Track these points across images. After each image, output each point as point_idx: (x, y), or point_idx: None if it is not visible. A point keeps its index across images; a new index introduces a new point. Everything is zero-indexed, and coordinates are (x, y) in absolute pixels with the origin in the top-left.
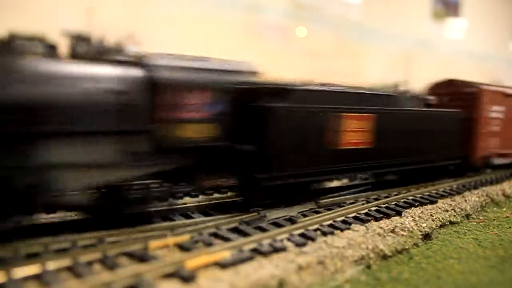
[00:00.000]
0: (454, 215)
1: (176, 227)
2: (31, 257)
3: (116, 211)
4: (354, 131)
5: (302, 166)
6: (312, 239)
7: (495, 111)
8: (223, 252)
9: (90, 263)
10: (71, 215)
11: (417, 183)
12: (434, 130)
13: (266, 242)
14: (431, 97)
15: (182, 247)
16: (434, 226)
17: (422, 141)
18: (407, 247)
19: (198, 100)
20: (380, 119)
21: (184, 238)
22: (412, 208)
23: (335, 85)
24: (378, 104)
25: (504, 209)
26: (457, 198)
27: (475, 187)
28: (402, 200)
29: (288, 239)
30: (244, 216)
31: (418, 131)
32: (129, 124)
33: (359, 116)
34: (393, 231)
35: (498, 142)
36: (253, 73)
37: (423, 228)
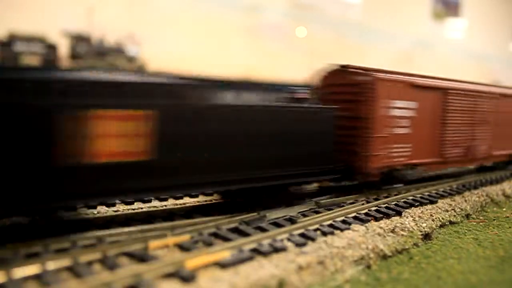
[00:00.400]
0: (454, 215)
1: (176, 227)
2: (31, 257)
3: None
4: (113, 137)
5: (26, 190)
6: (312, 239)
7: (401, 108)
8: (223, 252)
9: (90, 263)
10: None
11: (268, 207)
12: (287, 133)
13: (266, 242)
14: (302, 89)
15: (182, 247)
16: (434, 226)
17: (266, 150)
18: (407, 247)
19: None
20: (169, 119)
21: (184, 238)
22: (412, 208)
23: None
24: (167, 97)
25: (504, 209)
26: (457, 198)
27: (475, 187)
28: (402, 200)
29: (288, 239)
30: (244, 216)
31: (256, 135)
32: None
33: (120, 114)
34: (393, 231)
35: (410, 149)
36: None
37: (423, 228)
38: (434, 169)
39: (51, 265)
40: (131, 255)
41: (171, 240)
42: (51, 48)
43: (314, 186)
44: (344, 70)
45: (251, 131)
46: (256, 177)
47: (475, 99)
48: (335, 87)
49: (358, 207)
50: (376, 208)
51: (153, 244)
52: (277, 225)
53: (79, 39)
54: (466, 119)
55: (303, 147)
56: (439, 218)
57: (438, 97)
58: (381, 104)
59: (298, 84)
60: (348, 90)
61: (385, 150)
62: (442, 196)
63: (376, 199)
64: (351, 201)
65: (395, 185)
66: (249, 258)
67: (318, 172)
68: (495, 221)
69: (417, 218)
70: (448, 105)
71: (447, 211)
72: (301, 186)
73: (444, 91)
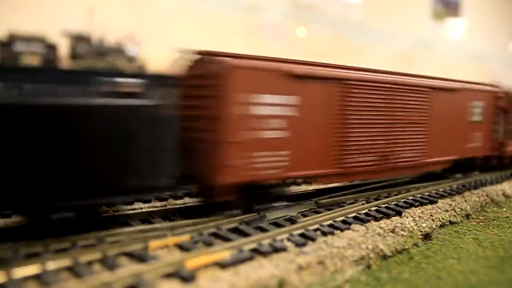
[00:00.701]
0: (454, 215)
1: (176, 227)
2: (31, 257)
3: None
4: None
5: None
6: (312, 239)
7: (272, 104)
8: (223, 252)
9: (90, 263)
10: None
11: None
12: (94, 139)
13: (266, 242)
14: (131, 81)
15: (182, 247)
16: (434, 226)
17: (62, 161)
18: (407, 247)
19: None
20: None
21: (184, 238)
22: (412, 208)
23: None
24: None
25: (504, 209)
26: (457, 198)
27: (475, 187)
28: (402, 200)
29: (288, 239)
30: (244, 216)
31: (41, 142)
32: None
33: None
34: (393, 231)
35: (287, 158)
36: None
37: (423, 228)
38: (332, 182)
39: (51, 265)
40: (131, 255)
41: (171, 240)
42: (51, 48)
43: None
44: (201, 57)
45: (32, 136)
46: (41, 196)
47: (393, 93)
48: (194, 79)
49: (358, 207)
50: (376, 208)
51: (153, 244)
52: (277, 225)
53: (79, 39)
54: (379, 118)
55: (120, 156)
56: (439, 218)
57: (334, 90)
58: (237, 99)
59: (130, 74)
60: (201, 83)
61: (245, 159)
62: (442, 196)
63: (376, 199)
64: (351, 201)
65: (274, 204)
66: (249, 258)
67: (142, 189)
68: (495, 221)
69: (417, 218)
70: (350, 100)
71: (447, 211)
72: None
73: (344, 82)
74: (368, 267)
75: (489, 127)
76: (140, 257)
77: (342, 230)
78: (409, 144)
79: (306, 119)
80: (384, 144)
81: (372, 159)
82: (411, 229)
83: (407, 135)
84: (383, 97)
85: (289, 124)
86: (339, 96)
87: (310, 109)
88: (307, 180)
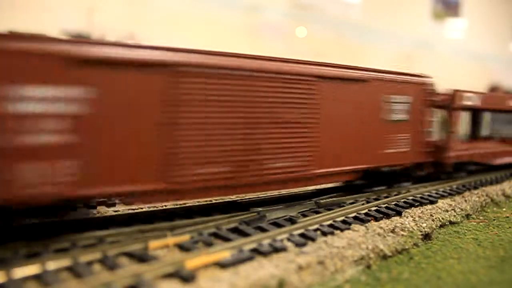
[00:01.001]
0: (454, 215)
1: (176, 227)
2: (31, 257)
3: None
4: None
5: None
6: (312, 239)
7: (43, 99)
8: (223, 252)
9: (90, 263)
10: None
11: None
12: None
13: (266, 242)
14: None
15: (182, 247)
16: (434, 226)
17: None
18: (407, 247)
19: None
20: None
21: (184, 238)
22: (412, 208)
23: None
24: None
25: (504, 209)
26: (457, 198)
27: (475, 187)
28: (402, 200)
29: (288, 239)
30: (244, 216)
31: None
32: None
33: None
34: (393, 231)
35: (73, 170)
36: None
37: (423, 228)
38: (156, 202)
39: (51, 265)
40: (131, 255)
41: (171, 240)
42: None
43: None
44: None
45: None
46: None
47: (254, 84)
48: None
49: (358, 207)
50: (376, 208)
51: (153, 244)
52: (277, 225)
53: None
54: (232, 117)
55: None
56: (439, 218)
57: (155, 79)
58: None
59: None
60: None
61: (2, 173)
62: (442, 196)
63: (376, 199)
64: (351, 201)
65: (80, 234)
66: (249, 258)
67: None
68: (495, 221)
69: (417, 218)
70: (182, 93)
71: (447, 211)
72: None
73: (171, 69)
74: (368, 267)
75: (419, 128)
76: (140, 257)
77: (342, 230)
78: (284, 151)
79: (107, 118)
80: (242, 151)
81: (222, 170)
82: (411, 229)
83: (280, 139)
84: (237, 88)
85: (75, 125)
86: (163, 87)
87: (114, 105)
88: (116, 199)
